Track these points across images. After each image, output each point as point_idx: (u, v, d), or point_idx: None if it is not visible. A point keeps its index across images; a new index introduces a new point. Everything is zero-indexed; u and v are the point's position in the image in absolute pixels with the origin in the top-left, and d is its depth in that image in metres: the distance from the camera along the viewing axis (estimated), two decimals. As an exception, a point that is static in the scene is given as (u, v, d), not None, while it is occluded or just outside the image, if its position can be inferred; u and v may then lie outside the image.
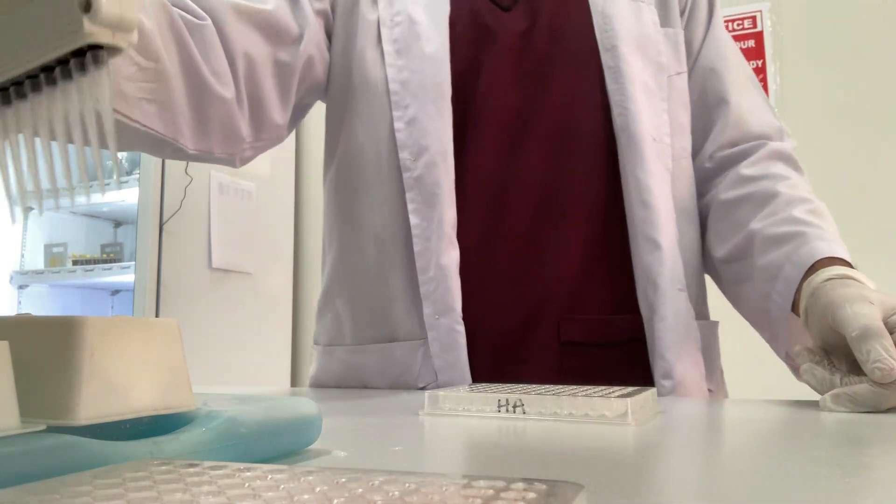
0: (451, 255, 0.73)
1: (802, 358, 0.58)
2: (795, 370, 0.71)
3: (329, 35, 0.83)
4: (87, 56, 0.27)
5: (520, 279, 0.75)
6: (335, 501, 0.18)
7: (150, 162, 2.16)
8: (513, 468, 0.32)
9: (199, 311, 2.24)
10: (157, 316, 2.08)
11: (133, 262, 2.16)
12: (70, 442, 0.24)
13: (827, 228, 0.70)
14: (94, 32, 0.26)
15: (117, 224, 2.77)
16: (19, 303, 2.51)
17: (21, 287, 2.51)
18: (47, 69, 0.28)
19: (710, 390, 0.77)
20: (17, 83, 0.29)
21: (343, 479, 0.21)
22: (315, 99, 0.86)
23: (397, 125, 0.76)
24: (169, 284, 2.15)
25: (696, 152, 0.84)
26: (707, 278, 0.85)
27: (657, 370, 0.72)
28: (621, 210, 0.76)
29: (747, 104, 0.84)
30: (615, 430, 0.42)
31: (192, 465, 0.23)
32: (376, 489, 0.20)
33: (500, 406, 0.48)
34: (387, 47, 0.78)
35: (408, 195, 0.75)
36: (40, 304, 2.53)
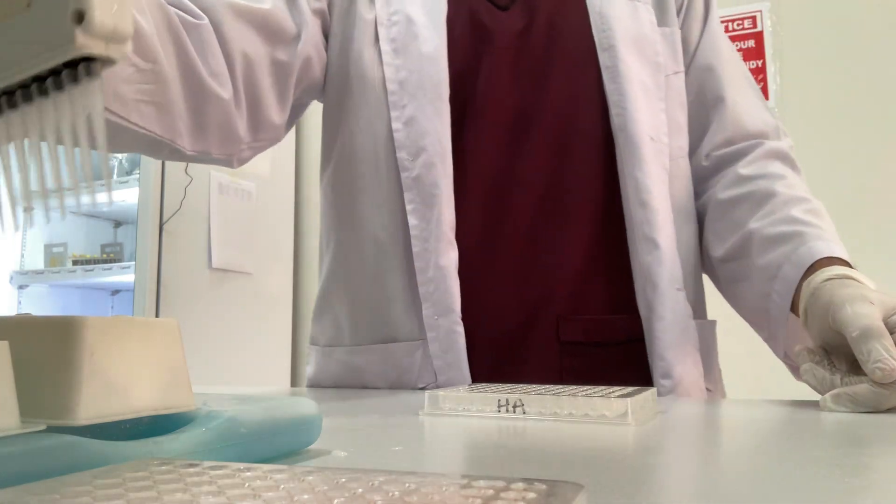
0: (450, 256, 0.73)
1: (802, 358, 0.58)
2: (793, 369, 0.71)
3: (326, 35, 0.83)
4: (79, 67, 0.27)
5: (519, 279, 0.75)
6: (335, 501, 0.18)
7: (150, 162, 2.16)
8: (513, 468, 0.32)
9: (199, 311, 2.24)
10: (157, 316, 2.08)
11: (133, 262, 2.16)
12: (70, 442, 0.24)
13: (825, 228, 0.70)
14: (87, 44, 0.25)
15: (117, 224, 2.77)
16: (19, 303, 2.51)
17: (21, 287, 2.51)
18: (39, 79, 0.28)
19: (708, 389, 0.77)
20: (8, 93, 0.28)
21: (343, 479, 0.21)
22: (312, 99, 0.86)
23: (395, 125, 0.76)
24: (169, 284, 2.15)
25: (692, 151, 0.84)
26: (704, 277, 0.85)
27: (656, 370, 0.73)
28: (619, 210, 0.77)
29: (744, 102, 0.84)
30: (615, 430, 0.42)
31: (192, 465, 0.23)
32: (376, 489, 0.20)
33: (500, 406, 0.48)
34: (384, 47, 0.78)
35: (406, 196, 0.75)
36: (40, 304, 2.53)
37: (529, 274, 0.76)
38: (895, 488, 0.27)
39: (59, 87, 0.27)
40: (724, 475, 0.31)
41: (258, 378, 2.41)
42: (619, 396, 0.46)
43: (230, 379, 2.29)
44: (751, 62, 2.15)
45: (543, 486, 0.20)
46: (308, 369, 0.88)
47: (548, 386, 0.54)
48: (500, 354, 0.75)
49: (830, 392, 0.53)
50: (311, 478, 0.21)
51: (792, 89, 2.09)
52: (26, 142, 0.29)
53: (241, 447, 0.30)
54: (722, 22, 2.17)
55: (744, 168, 0.80)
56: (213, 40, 0.68)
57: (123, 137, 0.61)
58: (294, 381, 2.65)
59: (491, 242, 0.76)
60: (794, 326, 0.68)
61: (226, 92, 0.69)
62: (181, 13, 0.66)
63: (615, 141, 0.77)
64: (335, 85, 0.82)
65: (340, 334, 0.82)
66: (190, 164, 2.18)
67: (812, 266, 0.65)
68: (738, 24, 2.17)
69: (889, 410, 0.51)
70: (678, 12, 0.86)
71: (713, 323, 0.83)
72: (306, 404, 0.36)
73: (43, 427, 0.25)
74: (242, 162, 0.77)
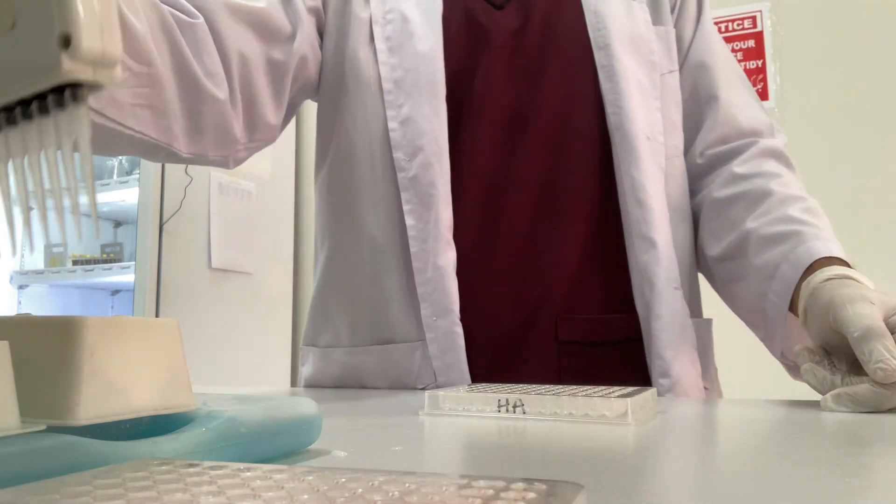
0: (448, 256, 0.73)
1: (803, 358, 0.58)
2: (790, 369, 0.71)
3: (321, 33, 0.82)
4: (65, 92, 0.25)
5: (517, 279, 0.75)
6: (335, 501, 0.18)
7: (150, 162, 2.16)
8: (513, 468, 0.32)
9: (199, 311, 2.24)
10: (157, 316, 2.08)
11: (133, 262, 2.16)
12: (70, 442, 0.24)
13: (822, 227, 0.70)
14: (74, 70, 0.24)
15: (117, 224, 2.77)
16: (19, 303, 2.51)
17: (21, 287, 2.51)
18: (23, 101, 0.26)
19: (705, 388, 0.77)
20: None
21: (343, 479, 0.21)
22: (306, 98, 0.85)
23: (391, 125, 0.76)
24: (169, 284, 2.15)
25: (686, 149, 0.84)
26: (699, 276, 0.85)
27: (654, 369, 0.73)
28: (616, 209, 0.76)
29: (737, 100, 0.84)
30: (615, 430, 0.42)
31: (192, 465, 0.23)
32: (376, 489, 0.20)
33: (500, 406, 0.48)
34: (379, 45, 0.78)
35: (403, 196, 0.74)
36: (40, 304, 2.53)
37: (527, 273, 0.75)
38: (895, 488, 0.27)
39: (43, 111, 0.26)
40: (724, 475, 0.31)
41: (258, 378, 2.41)
42: (619, 396, 0.46)
43: (230, 379, 2.29)
44: (751, 62, 2.15)
45: (543, 486, 0.20)
46: (304, 370, 0.87)
47: (548, 386, 0.54)
48: (498, 354, 0.74)
49: (831, 392, 0.53)
50: (311, 478, 0.21)
51: (792, 89, 2.09)
52: (11, 164, 0.27)
53: (241, 447, 0.30)
54: (722, 22, 2.19)
55: (739, 166, 0.80)
56: (209, 39, 0.68)
57: (119, 142, 0.61)
58: (294, 381, 2.65)
59: (488, 242, 0.76)
60: (792, 326, 0.68)
61: (221, 92, 0.68)
62: (175, 12, 0.65)
63: (611, 140, 0.77)
64: (330, 84, 0.82)
65: (338, 335, 0.82)
66: (190, 164, 2.19)
67: (811, 266, 0.65)
68: (738, 24, 2.17)
69: (890, 410, 0.51)
70: (671, 10, 0.86)
71: (709, 321, 0.83)
72: (306, 404, 0.36)
73: (43, 427, 0.25)
74: (238, 162, 0.77)
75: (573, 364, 0.75)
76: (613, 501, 0.24)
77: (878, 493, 0.26)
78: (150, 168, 2.16)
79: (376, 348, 0.77)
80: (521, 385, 0.55)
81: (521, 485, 0.20)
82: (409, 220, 0.74)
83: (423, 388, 0.73)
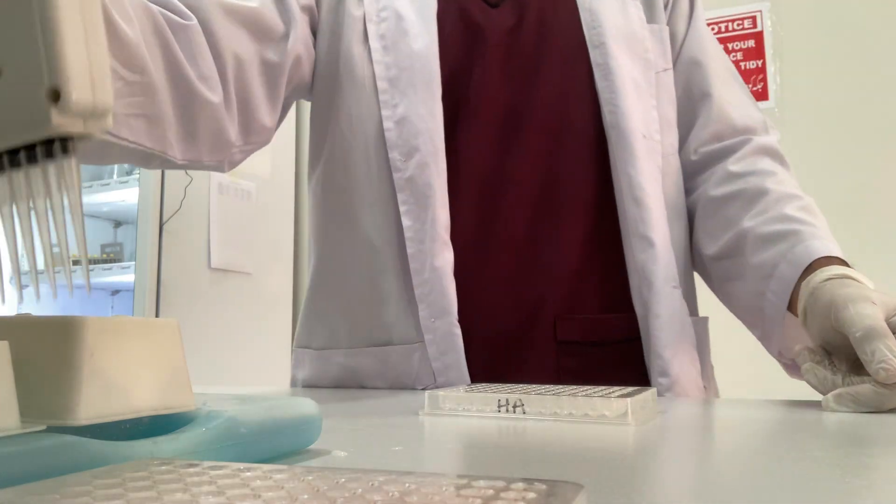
0: (445, 257, 0.72)
1: (803, 358, 0.58)
2: (788, 368, 0.71)
3: (314, 31, 0.81)
4: (54, 143, 0.24)
5: (516, 279, 0.75)
6: (335, 501, 0.18)
7: (150, 162, 2.16)
8: (513, 468, 0.32)
9: (198, 311, 2.24)
10: (157, 316, 2.08)
11: (133, 262, 2.16)
12: (70, 442, 0.24)
13: (819, 226, 0.70)
14: (63, 125, 0.23)
15: (117, 224, 2.77)
16: (19, 303, 2.50)
17: (21, 287, 2.51)
18: (12, 150, 0.25)
19: (703, 386, 0.77)
20: None
21: (343, 479, 0.21)
22: (300, 97, 0.85)
23: (386, 124, 0.75)
24: (169, 284, 2.15)
25: (679, 146, 0.84)
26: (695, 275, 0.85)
27: (654, 368, 0.72)
28: (613, 207, 0.76)
29: (730, 97, 0.84)
30: (615, 430, 0.42)
31: (192, 465, 0.23)
32: (376, 489, 0.20)
33: (500, 406, 0.48)
34: (373, 44, 0.77)
35: (399, 196, 0.74)
36: (40, 303, 2.53)
37: (525, 273, 0.75)
38: (895, 488, 0.27)
39: (32, 160, 0.25)
40: (725, 475, 0.31)
41: (258, 378, 2.41)
42: (619, 396, 0.46)
43: (230, 379, 2.29)
44: (751, 62, 2.15)
45: (543, 486, 0.20)
46: (298, 372, 0.86)
47: (548, 386, 0.54)
48: (496, 355, 0.74)
49: (832, 392, 0.53)
50: (311, 478, 0.21)
51: (792, 89, 2.09)
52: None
53: (241, 447, 0.30)
54: (722, 22, 2.19)
55: (733, 165, 0.80)
56: (202, 41, 0.67)
57: (113, 152, 0.60)
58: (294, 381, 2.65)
59: (485, 242, 0.75)
60: (790, 325, 0.68)
61: (216, 96, 0.67)
62: (168, 13, 0.64)
63: (608, 138, 0.77)
64: (324, 83, 0.81)
65: (335, 337, 0.81)
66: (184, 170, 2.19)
67: (809, 265, 0.65)
68: (738, 24, 2.17)
69: (891, 410, 0.51)
70: (664, 8, 0.86)
71: (705, 319, 0.83)
72: (306, 404, 0.36)
73: (43, 427, 0.25)
74: (233, 165, 0.76)
75: (572, 364, 0.75)
76: (613, 501, 0.24)
77: (878, 493, 0.26)
78: (150, 168, 2.15)
79: (374, 350, 0.77)
80: (521, 385, 0.55)
81: (521, 485, 0.20)
82: (405, 221, 0.73)
83: (422, 389, 0.73)
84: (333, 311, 0.81)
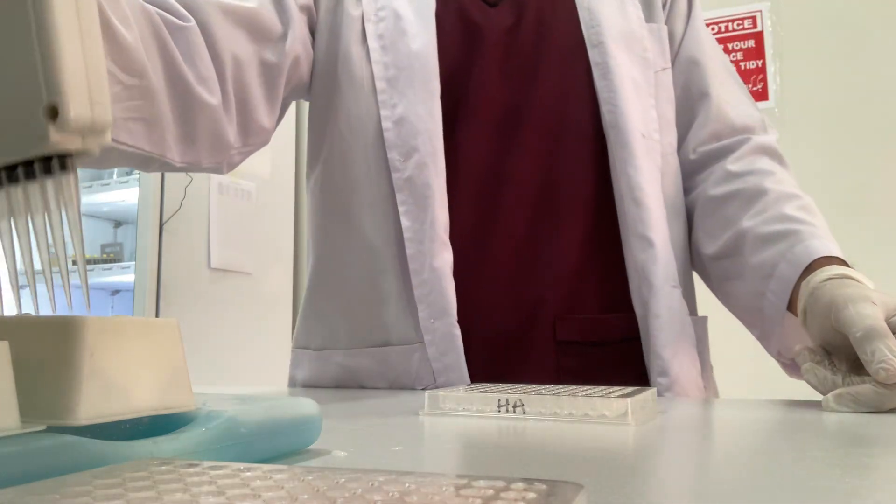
0: (445, 258, 0.72)
1: (803, 358, 0.58)
2: (787, 367, 0.71)
3: (313, 31, 0.81)
4: (53, 159, 0.24)
5: (515, 279, 0.75)
6: (335, 501, 0.18)
7: (150, 162, 2.15)
8: (513, 468, 0.32)
9: (198, 311, 2.24)
10: (157, 316, 2.08)
11: (133, 262, 2.16)
12: (70, 442, 0.24)
13: (818, 225, 0.70)
14: (62, 142, 0.23)
15: (117, 224, 2.77)
16: (20, 303, 2.50)
17: (21, 287, 2.50)
18: (9, 166, 0.25)
19: (703, 386, 0.77)
20: None
21: (343, 479, 0.21)
22: (298, 98, 0.85)
23: (385, 124, 0.75)
24: (169, 284, 2.15)
25: (678, 145, 0.84)
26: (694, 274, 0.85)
27: (653, 368, 0.72)
28: (612, 207, 0.76)
29: (728, 97, 0.84)
30: (615, 430, 0.42)
31: (192, 465, 0.23)
32: (376, 489, 0.20)
33: (500, 406, 0.48)
34: (372, 43, 0.77)
35: (398, 197, 0.74)
36: (40, 304, 2.53)
37: (524, 273, 0.75)
38: (895, 488, 0.27)
39: (30, 175, 0.25)
40: (725, 475, 0.31)
41: (258, 378, 2.41)
42: (619, 396, 0.46)
43: (230, 379, 2.29)
44: (751, 62, 2.15)
45: (543, 486, 0.20)
46: (297, 373, 0.86)
47: (548, 386, 0.54)
48: (496, 355, 0.74)
49: (833, 392, 0.53)
50: (311, 478, 0.21)
51: (792, 89, 2.09)
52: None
53: (241, 447, 0.30)
54: (722, 22, 2.19)
55: (732, 164, 0.80)
56: (201, 42, 0.66)
57: (111, 156, 0.60)
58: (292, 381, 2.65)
59: (484, 242, 0.75)
60: (789, 325, 0.68)
61: (214, 98, 0.67)
62: (166, 14, 0.64)
63: (607, 138, 0.77)
64: (323, 83, 0.81)
65: (334, 338, 0.81)
66: (183, 172, 2.19)
67: (809, 265, 0.65)
68: (738, 24, 2.17)
69: (891, 410, 0.51)
70: (662, 7, 0.86)
71: (704, 319, 0.83)
72: (306, 404, 0.36)
73: (43, 427, 0.25)
74: (232, 167, 0.76)
75: (572, 364, 0.74)
76: (613, 501, 0.24)
77: (878, 493, 0.26)
78: (150, 168, 2.15)
79: (374, 350, 0.77)
80: (521, 385, 0.55)
81: (521, 485, 0.20)
82: (404, 222, 0.73)
83: (422, 389, 0.73)
84: (332, 311, 0.81)
